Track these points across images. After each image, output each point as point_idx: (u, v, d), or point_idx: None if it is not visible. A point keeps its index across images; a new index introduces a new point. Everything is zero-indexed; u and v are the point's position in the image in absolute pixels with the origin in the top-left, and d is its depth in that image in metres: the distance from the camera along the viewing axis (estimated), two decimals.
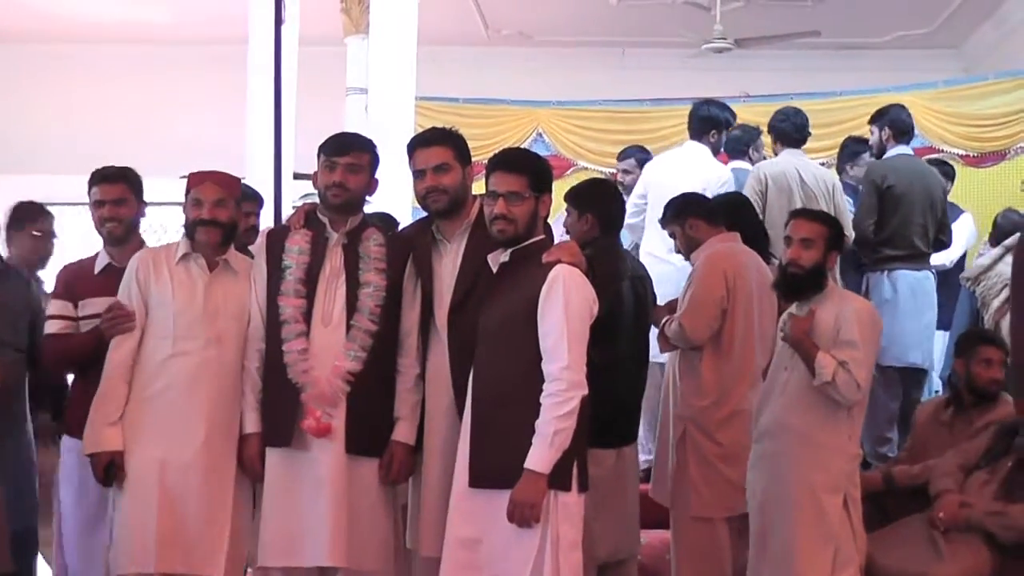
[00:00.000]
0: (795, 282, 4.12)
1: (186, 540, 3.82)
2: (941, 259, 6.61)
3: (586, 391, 3.50)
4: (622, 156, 7.16)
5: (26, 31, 9.26)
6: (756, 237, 4.93)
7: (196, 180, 4.00)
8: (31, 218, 5.03)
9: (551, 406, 3.46)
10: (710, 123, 6.46)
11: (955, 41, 10.62)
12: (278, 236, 4.03)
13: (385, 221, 4.42)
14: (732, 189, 6.13)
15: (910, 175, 6.23)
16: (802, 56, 9.34)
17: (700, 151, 6.42)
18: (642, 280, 4.75)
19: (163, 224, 8.74)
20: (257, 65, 7.20)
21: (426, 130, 4.12)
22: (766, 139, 6.83)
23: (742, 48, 9.23)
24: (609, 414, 4.21)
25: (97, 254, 4.29)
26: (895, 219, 6.13)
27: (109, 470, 3.87)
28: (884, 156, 6.39)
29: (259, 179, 5.43)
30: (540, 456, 3.44)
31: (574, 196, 4.69)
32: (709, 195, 5.51)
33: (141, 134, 8.49)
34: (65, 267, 4.35)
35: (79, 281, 4.21)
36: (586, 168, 8.36)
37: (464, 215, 3.96)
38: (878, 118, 6.50)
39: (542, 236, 3.74)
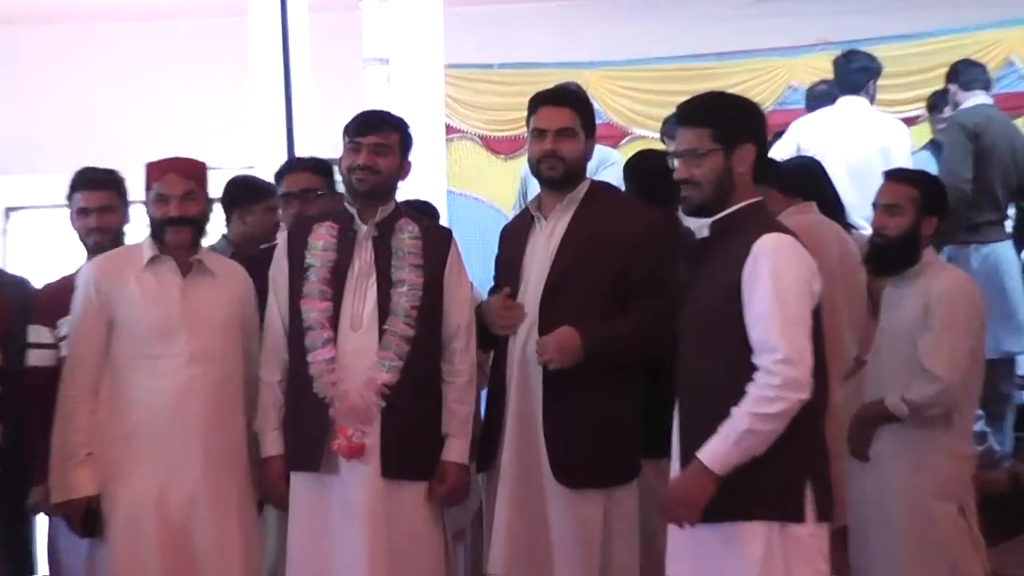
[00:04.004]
0: (881, 254, 4.01)
1: None
2: None
3: (807, 396, 3.09)
4: None
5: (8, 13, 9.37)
6: (832, 205, 4.80)
7: (157, 172, 3.93)
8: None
9: (754, 399, 3.08)
10: (866, 73, 6.45)
11: None
12: (301, 231, 3.99)
13: (423, 210, 4.39)
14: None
15: (995, 125, 6.07)
16: None
17: (861, 105, 6.39)
18: None
19: None
20: (260, 37, 7.15)
21: (556, 87, 4.10)
22: None
23: None
24: None
25: (79, 269, 4.17)
26: (987, 176, 5.95)
27: (88, 519, 3.80)
28: (959, 108, 6.24)
29: (271, 168, 5.35)
30: (716, 450, 3.09)
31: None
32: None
33: (137, 123, 8.52)
34: (43, 288, 4.35)
35: (60, 300, 4.12)
36: (643, 136, 8.23)
37: (570, 190, 3.92)
38: (948, 79, 6.42)
39: (751, 201, 3.36)
